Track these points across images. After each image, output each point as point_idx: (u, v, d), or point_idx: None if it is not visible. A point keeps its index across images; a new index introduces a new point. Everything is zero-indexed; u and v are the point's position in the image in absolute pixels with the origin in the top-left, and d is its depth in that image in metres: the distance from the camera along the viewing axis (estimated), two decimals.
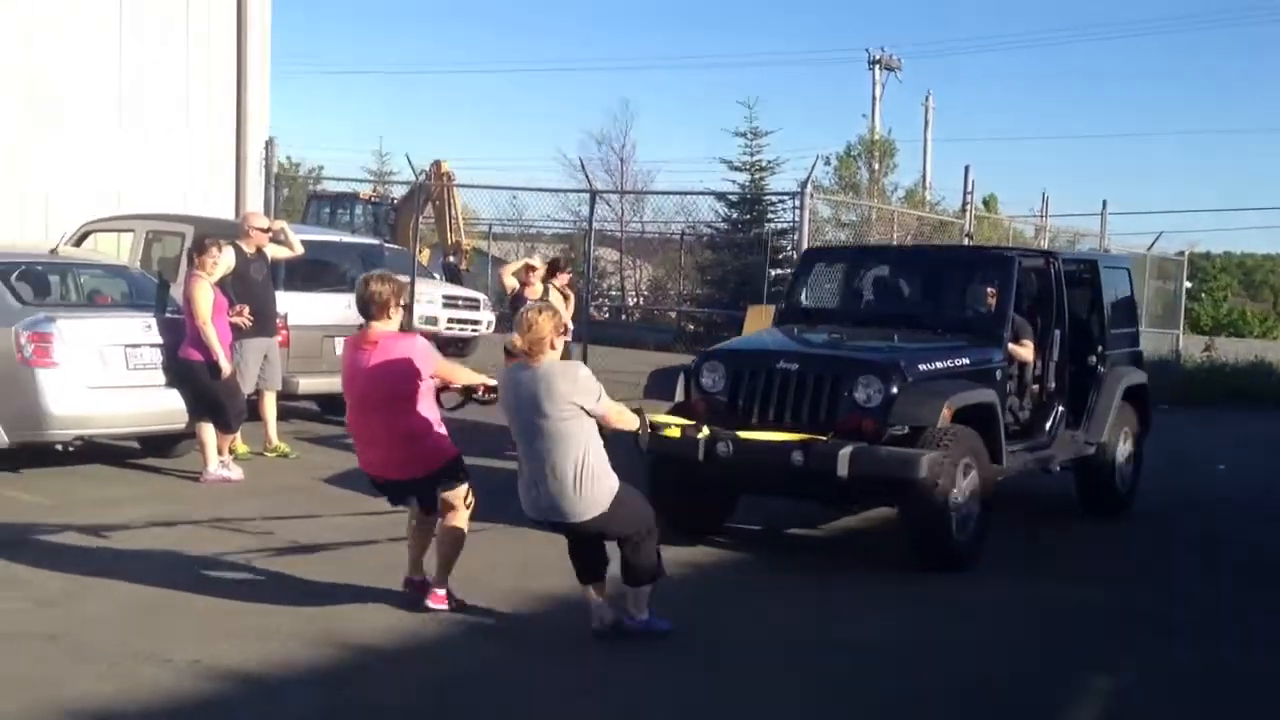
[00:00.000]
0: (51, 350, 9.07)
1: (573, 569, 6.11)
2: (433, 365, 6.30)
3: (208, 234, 10.54)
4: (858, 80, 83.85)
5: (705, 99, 78.45)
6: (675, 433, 7.40)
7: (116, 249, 12.87)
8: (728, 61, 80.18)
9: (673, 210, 25.59)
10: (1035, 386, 9.31)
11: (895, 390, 7.62)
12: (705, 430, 7.58)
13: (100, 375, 9.26)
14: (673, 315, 27.70)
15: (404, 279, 6.77)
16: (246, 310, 10.15)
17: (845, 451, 7.28)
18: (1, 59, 15.34)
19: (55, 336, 9.10)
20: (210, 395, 9.59)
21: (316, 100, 76.74)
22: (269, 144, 17.93)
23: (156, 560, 7.09)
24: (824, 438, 7.43)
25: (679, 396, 8.19)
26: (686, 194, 25.57)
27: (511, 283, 11.59)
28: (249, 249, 10.42)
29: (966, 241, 17.47)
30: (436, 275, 22.28)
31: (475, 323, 20.41)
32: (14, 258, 10.18)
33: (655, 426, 7.10)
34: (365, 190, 27.68)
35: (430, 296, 19.37)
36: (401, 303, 6.36)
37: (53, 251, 10.80)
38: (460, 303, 20.37)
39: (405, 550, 6.67)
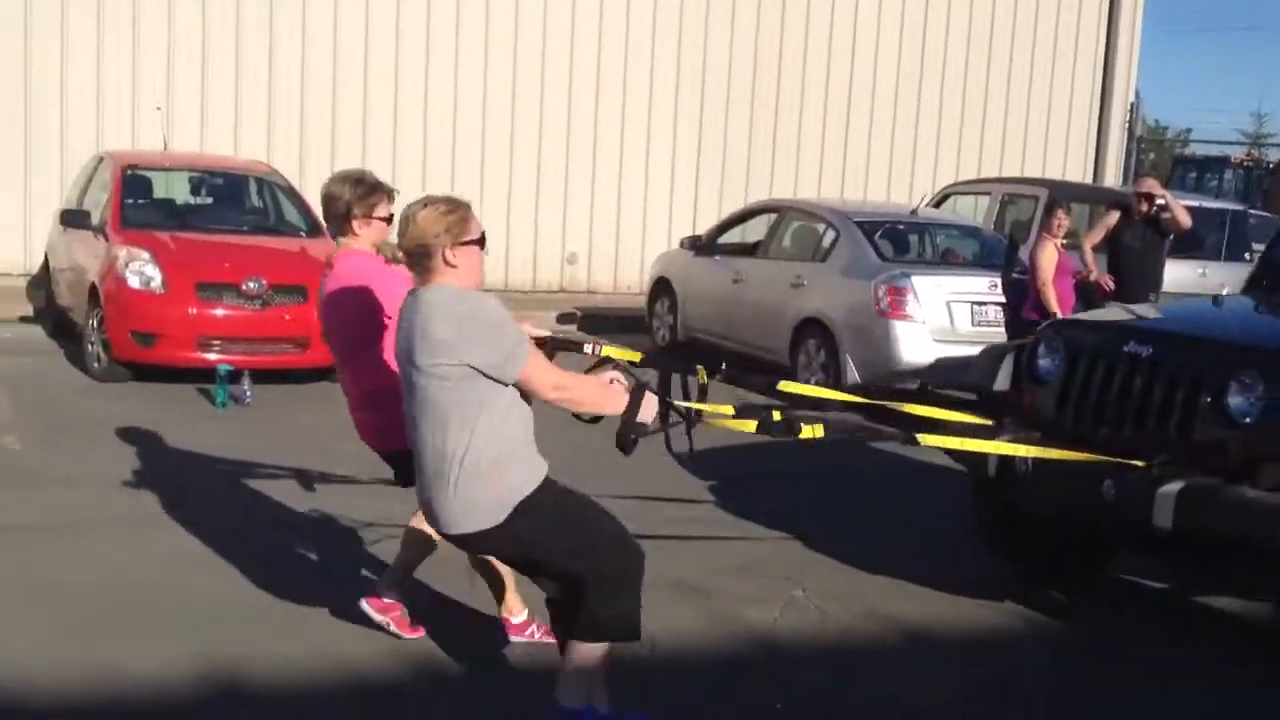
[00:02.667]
0: (905, 304, 9.63)
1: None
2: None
3: (1059, 197, 10.59)
4: None
5: None
6: (749, 426, 4.24)
7: (974, 210, 13.29)
8: None
9: None
10: None
11: None
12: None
13: (946, 329, 9.66)
14: None
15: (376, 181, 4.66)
16: (1101, 274, 10.03)
17: (1170, 490, 4.66)
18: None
19: (910, 291, 9.64)
20: None
21: (1188, 61, 72.59)
22: (1133, 105, 17.36)
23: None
24: (1147, 463, 4.79)
25: (1000, 384, 5.79)
26: None
27: None
28: (1138, 214, 10.18)
29: None
30: None
31: None
32: (879, 217, 10.98)
33: (692, 411, 4.16)
34: (1237, 154, 25.78)
35: None
36: (378, 214, 4.58)
37: (913, 212, 11.47)
38: None
39: None
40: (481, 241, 3.87)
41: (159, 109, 13.22)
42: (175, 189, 11.59)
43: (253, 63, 13.95)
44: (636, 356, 4.72)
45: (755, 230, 12.10)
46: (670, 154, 15.88)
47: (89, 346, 9.60)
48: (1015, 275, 9.87)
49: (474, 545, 3.98)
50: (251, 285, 9.36)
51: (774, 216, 11.75)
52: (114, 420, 7.89)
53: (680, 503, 6.73)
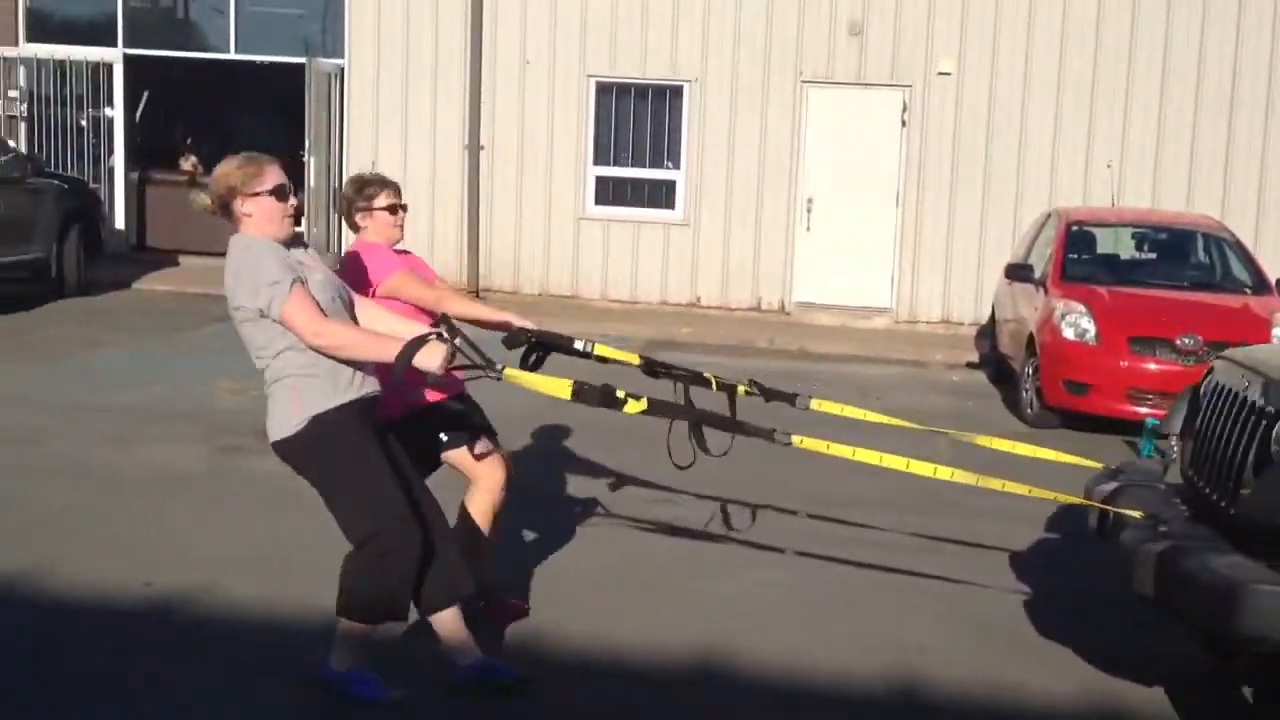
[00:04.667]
0: None
1: None
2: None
3: None
4: None
5: None
6: (563, 390, 3.95)
7: None
8: None
9: None
10: None
11: None
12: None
13: None
14: None
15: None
16: None
17: (1149, 549, 3.85)
18: None
19: None
20: None
21: None
22: None
23: None
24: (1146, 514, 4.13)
25: (1171, 428, 4.80)
26: None
27: None
28: None
29: None
30: None
31: None
32: None
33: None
34: None
35: None
36: (377, 204, 4.75)
37: None
38: None
39: None
40: (278, 192, 3.93)
41: (1109, 166, 13.39)
42: (1119, 244, 11.69)
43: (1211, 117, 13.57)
44: (634, 359, 4.51)
45: None
46: None
47: (1024, 393, 10.03)
48: None
49: (282, 454, 4.05)
50: (1186, 341, 9.14)
51: None
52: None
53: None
